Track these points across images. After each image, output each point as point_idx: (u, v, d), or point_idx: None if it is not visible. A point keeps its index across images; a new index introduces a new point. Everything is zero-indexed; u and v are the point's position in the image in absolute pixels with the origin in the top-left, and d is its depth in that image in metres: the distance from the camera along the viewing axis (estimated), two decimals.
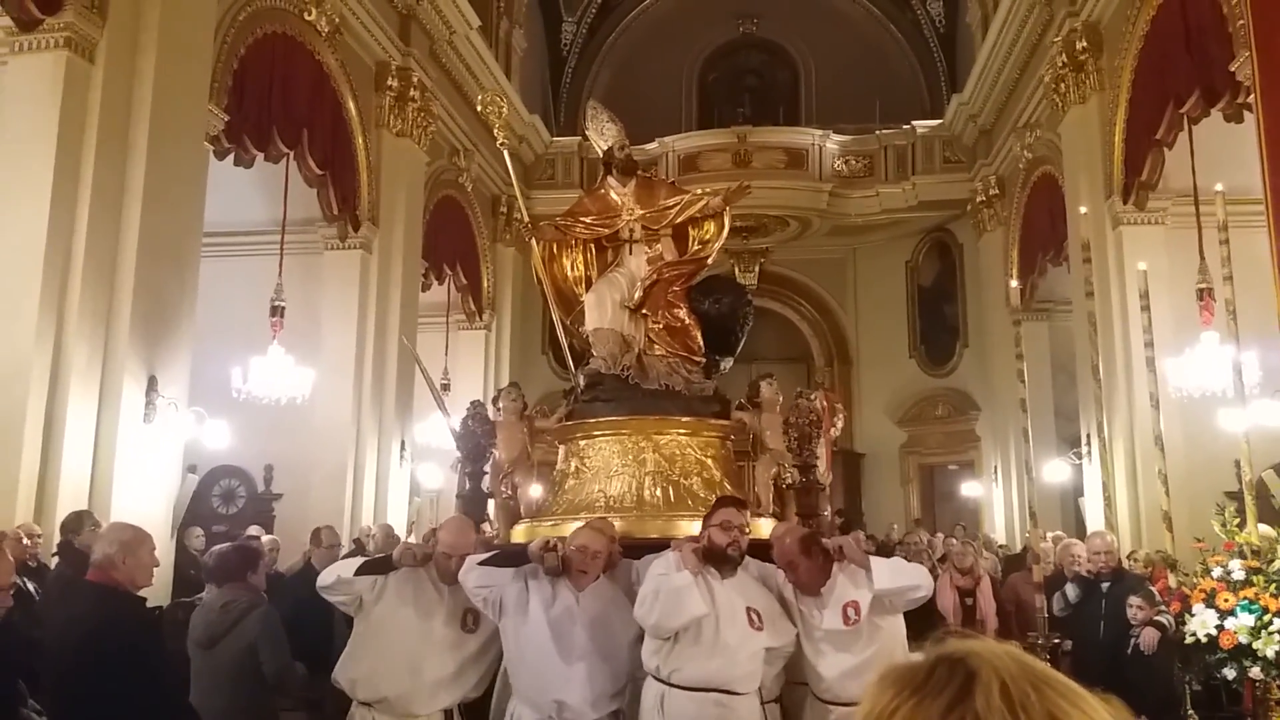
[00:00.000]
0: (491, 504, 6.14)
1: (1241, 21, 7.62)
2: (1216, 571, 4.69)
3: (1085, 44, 11.13)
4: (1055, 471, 12.62)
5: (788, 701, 4.19)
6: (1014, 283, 13.12)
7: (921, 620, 7.23)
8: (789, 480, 5.72)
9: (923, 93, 18.81)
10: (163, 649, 3.89)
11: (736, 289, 6.56)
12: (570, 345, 6.19)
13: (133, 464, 7.53)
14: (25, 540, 6.23)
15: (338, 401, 11.05)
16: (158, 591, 6.22)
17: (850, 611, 3.90)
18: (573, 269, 6.07)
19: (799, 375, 16.79)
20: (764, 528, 4.94)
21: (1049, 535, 9.47)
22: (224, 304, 10.25)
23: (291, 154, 10.25)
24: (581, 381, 5.83)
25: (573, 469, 5.56)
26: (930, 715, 0.86)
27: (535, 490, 5.90)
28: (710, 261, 6.01)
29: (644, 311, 5.69)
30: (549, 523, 5.23)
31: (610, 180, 6.08)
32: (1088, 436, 10.93)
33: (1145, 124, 9.85)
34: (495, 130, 6.49)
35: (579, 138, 16.65)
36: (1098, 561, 6.08)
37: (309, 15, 10.41)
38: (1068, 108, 11.61)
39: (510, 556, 4.24)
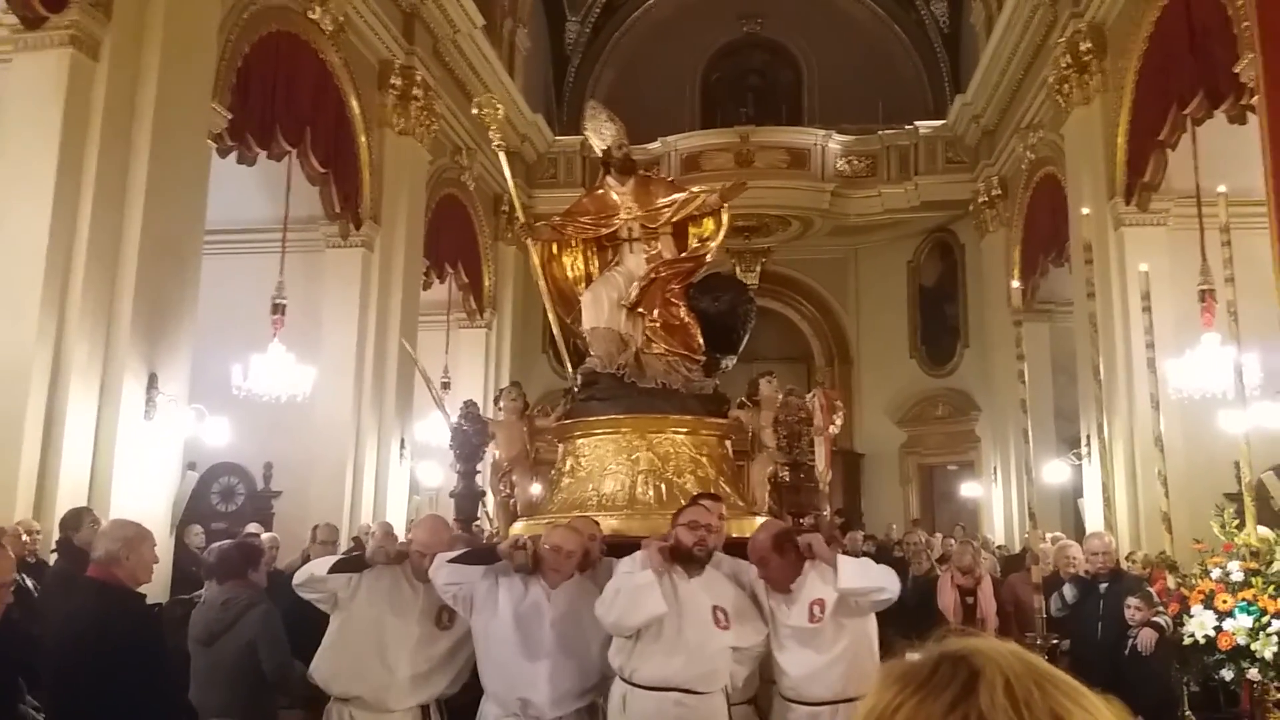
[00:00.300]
0: (491, 502, 6.15)
1: (1246, 23, 7.61)
2: (1215, 573, 4.69)
3: (1089, 45, 11.12)
4: (1055, 472, 12.62)
5: (763, 701, 4.18)
6: (1015, 283, 13.07)
7: (922, 619, 7.25)
8: (781, 478, 5.72)
9: (926, 93, 18.80)
10: (162, 646, 3.90)
11: (737, 286, 6.56)
12: (570, 344, 6.20)
13: (133, 461, 7.54)
14: (24, 537, 6.25)
15: (338, 399, 11.06)
16: (156, 588, 6.22)
17: (816, 609, 3.88)
18: (573, 268, 6.08)
19: (800, 375, 16.79)
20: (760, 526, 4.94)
21: (1048, 536, 9.47)
22: (225, 301, 10.26)
23: (294, 152, 10.26)
24: (578, 380, 5.83)
25: (569, 468, 5.57)
26: (933, 713, 0.86)
27: (535, 489, 5.91)
28: (709, 259, 6.01)
29: (640, 310, 5.68)
30: (545, 521, 5.24)
31: (609, 180, 6.08)
32: (1088, 437, 10.93)
33: (1148, 125, 9.84)
34: (490, 132, 6.50)
35: (582, 137, 16.60)
36: (1095, 562, 6.08)
37: (313, 14, 10.42)
38: (1071, 108, 11.60)
39: (481, 553, 4.25)
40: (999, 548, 12.44)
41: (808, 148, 16.81)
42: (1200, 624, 4.49)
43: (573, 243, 6.07)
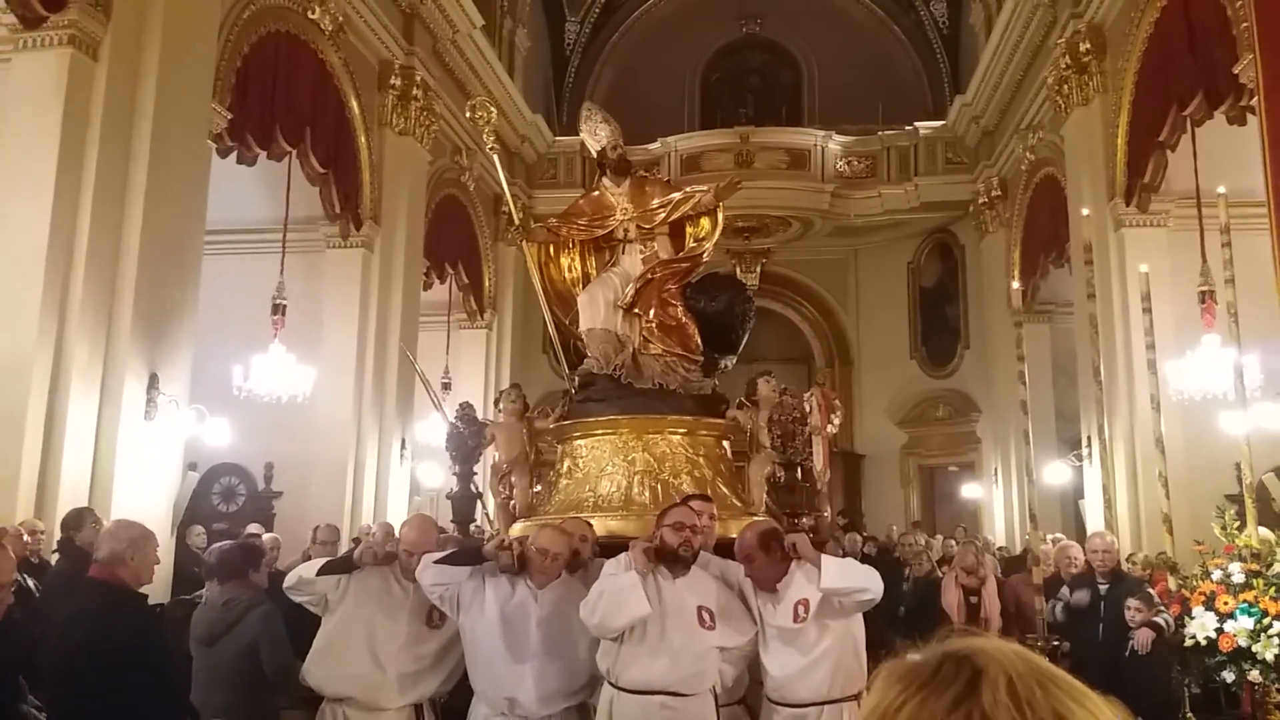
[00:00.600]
0: (490, 503, 6.15)
1: (1245, 24, 7.62)
2: (1216, 574, 4.69)
3: (1088, 46, 11.13)
4: (1056, 473, 12.62)
5: (753, 701, 4.18)
6: (1015, 284, 13.10)
7: (925, 618, 7.24)
8: (777, 477, 5.71)
9: (925, 94, 18.80)
10: (165, 646, 3.91)
11: (734, 286, 6.54)
12: (571, 345, 6.20)
13: (133, 461, 7.54)
14: (26, 537, 6.24)
15: (338, 400, 11.06)
16: (158, 589, 6.22)
17: (800, 609, 3.87)
18: (570, 270, 6.08)
19: (800, 376, 16.79)
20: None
21: (1049, 537, 9.47)
22: (225, 302, 10.25)
23: (294, 152, 10.25)
24: (575, 382, 5.83)
25: (566, 469, 5.57)
26: (936, 711, 0.86)
27: (534, 490, 5.92)
28: (706, 259, 6.00)
29: (637, 310, 5.68)
30: (542, 522, 5.24)
31: (605, 181, 6.08)
32: (1088, 438, 10.93)
33: (1148, 126, 9.85)
34: (484, 135, 6.50)
35: (581, 137, 16.62)
36: (1095, 559, 6.08)
37: (312, 14, 10.42)
38: (1070, 109, 11.61)
39: (468, 554, 4.26)
40: (1000, 549, 12.44)
41: (807, 148, 16.81)
42: (1201, 626, 4.49)
43: (569, 244, 6.08)
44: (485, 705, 3.94)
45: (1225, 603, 4.57)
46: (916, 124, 17.02)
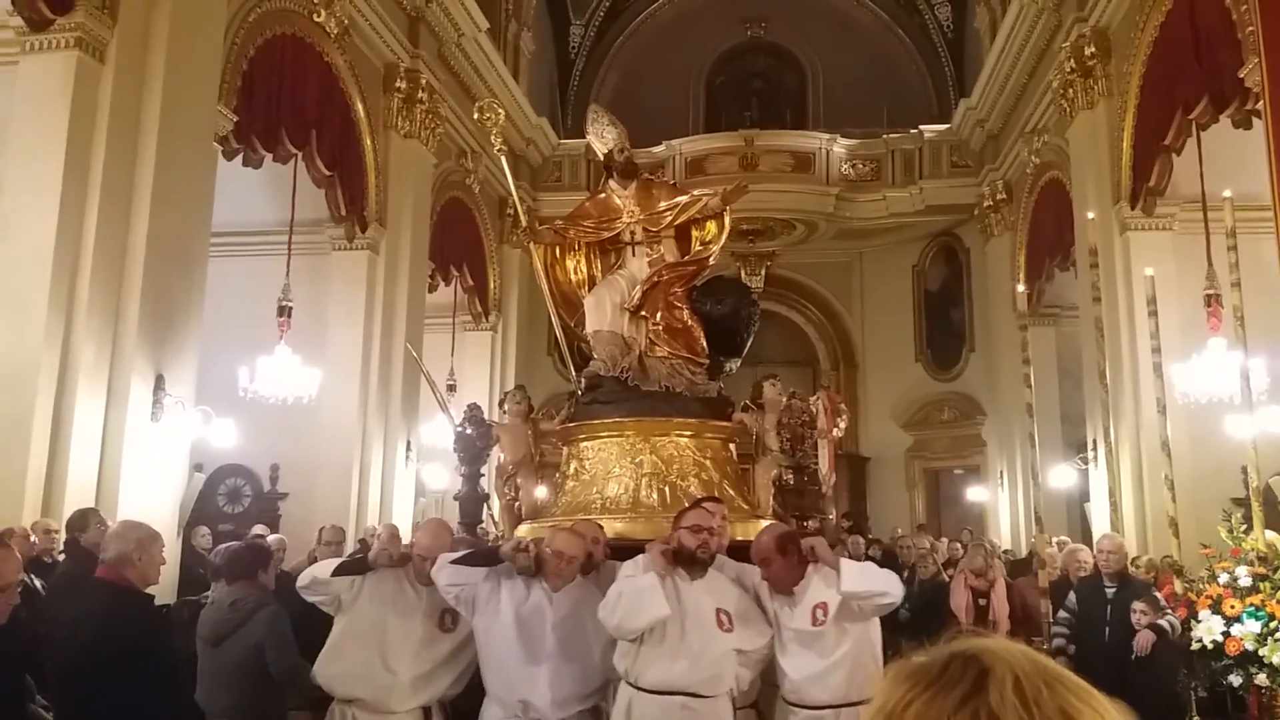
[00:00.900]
0: (496, 505, 6.16)
1: (1251, 28, 7.60)
2: (1223, 578, 4.68)
3: (1094, 50, 11.12)
4: (1061, 477, 12.59)
5: (764, 705, 4.18)
6: (1021, 287, 13.05)
7: (934, 619, 7.23)
8: (787, 481, 5.72)
9: (930, 97, 18.80)
10: (171, 646, 3.92)
11: (739, 289, 6.55)
12: (574, 347, 6.20)
13: (139, 462, 7.55)
14: (34, 538, 6.25)
15: (344, 402, 11.08)
16: (164, 590, 6.23)
17: (819, 613, 3.87)
18: (575, 272, 6.08)
19: (805, 379, 16.77)
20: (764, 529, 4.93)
21: (1054, 540, 9.45)
22: (231, 304, 10.28)
23: (300, 155, 10.28)
24: (582, 384, 5.84)
25: (573, 471, 5.57)
26: (944, 709, 0.86)
27: (540, 492, 5.92)
28: (712, 262, 6.01)
29: (644, 313, 5.68)
30: (550, 524, 5.24)
31: (611, 183, 6.09)
32: (1094, 442, 10.91)
33: (1153, 130, 9.84)
34: (492, 137, 6.52)
35: (586, 140, 16.62)
36: (1102, 560, 6.07)
37: (318, 17, 10.44)
38: (1076, 113, 11.60)
39: (484, 555, 4.26)
40: (1005, 552, 12.42)
41: (812, 151, 16.81)
42: (1208, 629, 4.48)
43: (575, 246, 6.08)
44: (498, 707, 3.93)
45: (1232, 606, 4.56)
46: (921, 127, 17.01)
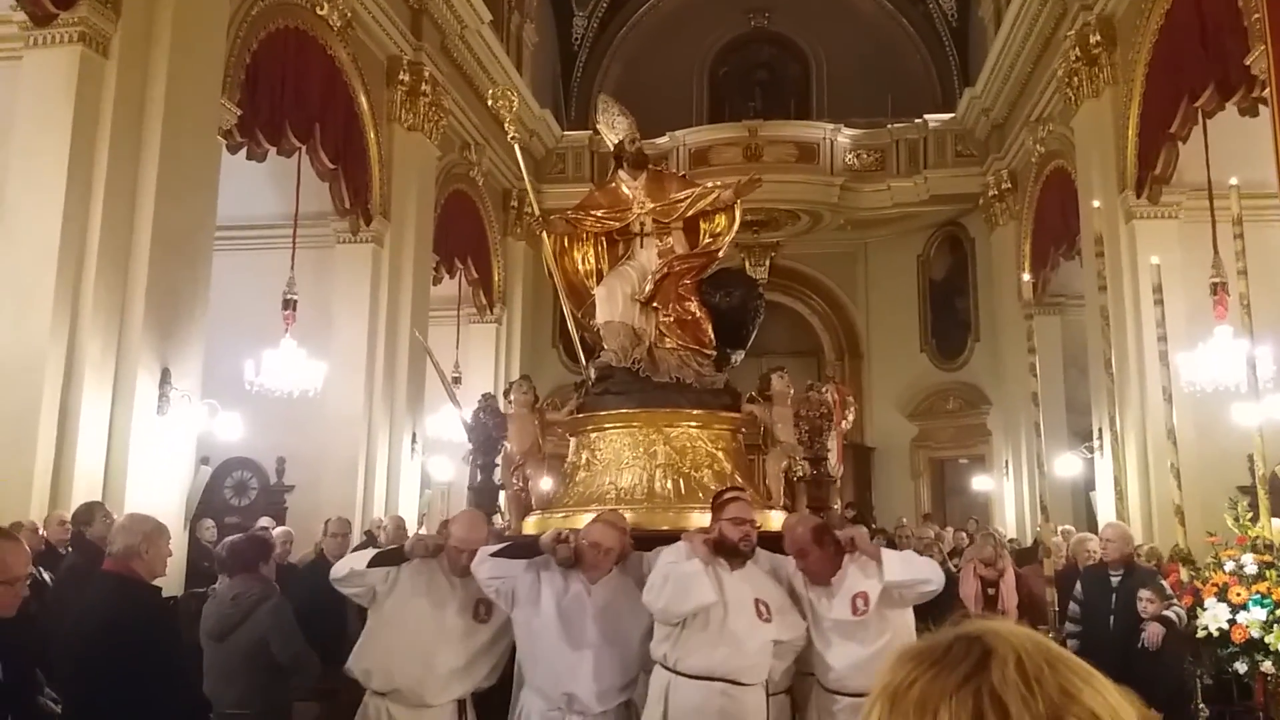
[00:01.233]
0: (503, 496, 6.16)
1: (1257, 15, 7.57)
2: (1229, 566, 4.68)
3: (1099, 37, 11.07)
4: (1067, 466, 12.59)
5: (797, 693, 4.20)
6: (1026, 276, 13.02)
7: (941, 609, 7.24)
8: (799, 473, 5.73)
9: (935, 86, 18.73)
10: (179, 639, 3.93)
11: (747, 282, 6.56)
12: (581, 338, 6.20)
13: (146, 456, 7.58)
14: (42, 530, 6.28)
15: (349, 394, 11.10)
16: (171, 582, 6.26)
17: (859, 602, 3.91)
18: (584, 262, 6.08)
19: (809, 369, 16.76)
20: (774, 520, 4.95)
21: (1060, 529, 9.45)
22: (236, 297, 10.30)
23: (304, 148, 10.28)
24: (592, 374, 5.84)
25: (583, 461, 5.58)
26: (947, 687, 0.87)
27: (546, 483, 5.92)
28: (721, 255, 6.01)
29: (655, 304, 5.69)
30: (560, 514, 5.25)
31: (621, 174, 6.08)
32: (1100, 430, 10.90)
33: (1159, 118, 9.80)
34: (506, 124, 6.50)
35: (590, 132, 16.64)
36: (1101, 547, 6.08)
37: (321, 10, 10.44)
38: (1081, 101, 11.56)
39: (523, 547, 4.26)
40: (1010, 541, 12.42)
41: (816, 142, 16.77)
42: (1214, 617, 4.49)
43: (584, 236, 6.07)
44: (540, 699, 3.94)
45: (1238, 594, 4.56)
46: (926, 117, 16.96)
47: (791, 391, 5.85)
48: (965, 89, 16.46)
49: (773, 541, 4.29)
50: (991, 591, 7.00)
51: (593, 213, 6.03)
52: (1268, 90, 7.32)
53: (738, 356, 6.11)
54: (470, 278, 14.70)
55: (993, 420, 16.64)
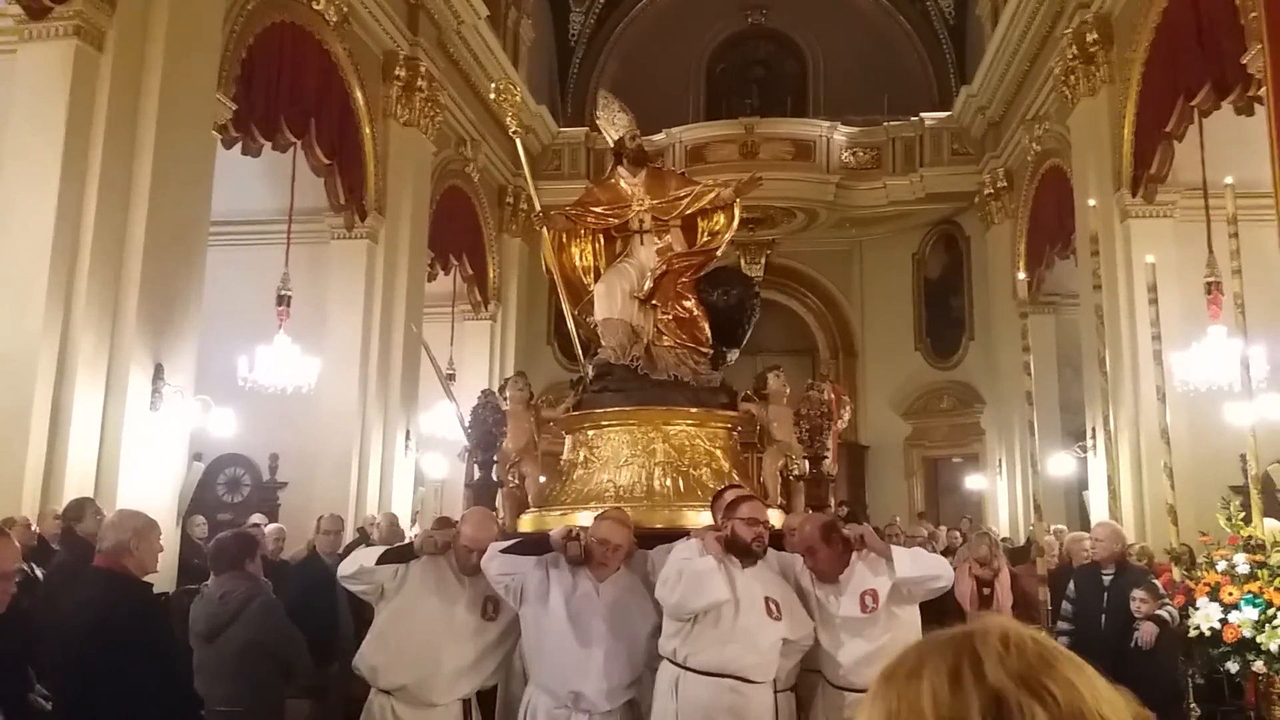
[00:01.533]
0: (499, 492, 6.15)
1: (1254, 14, 7.57)
2: (1221, 565, 4.68)
3: (1096, 36, 11.08)
4: (1060, 465, 12.60)
5: (801, 690, 4.21)
6: (1021, 275, 13.05)
7: (935, 608, 7.24)
8: (796, 472, 5.73)
9: (931, 85, 18.73)
10: (170, 635, 3.92)
11: (744, 281, 6.56)
12: (578, 335, 6.19)
13: (139, 452, 7.55)
14: (35, 526, 6.26)
15: (343, 391, 11.08)
16: (163, 579, 6.24)
17: (868, 599, 3.94)
18: (581, 259, 6.07)
19: (804, 367, 16.78)
20: (771, 519, 4.94)
21: (1053, 529, 9.46)
22: (230, 293, 10.27)
23: (299, 143, 10.25)
24: (590, 372, 5.83)
25: (581, 459, 5.57)
26: (932, 652, 0.92)
27: (542, 480, 5.91)
28: (720, 253, 6.01)
29: (653, 302, 5.69)
30: (557, 512, 5.24)
31: (620, 170, 6.07)
32: (1093, 430, 10.91)
33: (1155, 117, 9.81)
34: (508, 119, 6.48)
35: (586, 128, 16.62)
36: (1091, 546, 6.09)
37: (317, 4, 10.40)
38: (1077, 100, 11.56)
39: (533, 544, 4.25)
40: (1003, 540, 12.43)
41: (813, 139, 16.76)
42: (1206, 616, 4.49)
43: (582, 233, 6.06)
44: (547, 697, 3.93)
45: (1230, 593, 4.57)
46: (922, 115, 16.96)
47: (788, 390, 5.85)
48: (962, 87, 16.47)
49: (772, 540, 4.28)
50: (987, 591, 7.00)
51: (592, 209, 6.02)
52: (1264, 89, 7.32)
53: (733, 355, 6.12)
54: (465, 274, 14.68)
55: (986, 419, 16.65)
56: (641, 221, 5.88)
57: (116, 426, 7.43)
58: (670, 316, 5.67)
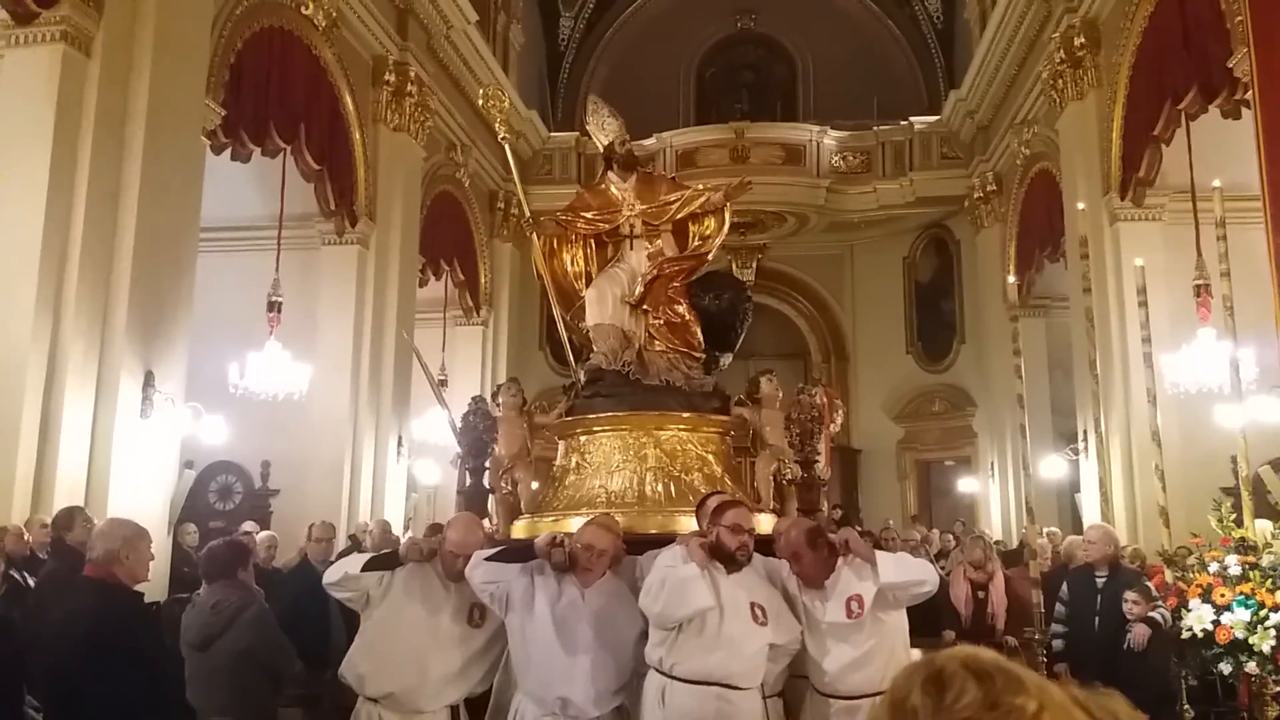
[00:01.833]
0: (491, 499, 6.14)
1: (1240, 18, 7.62)
2: (1213, 567, 4.70)
3: (1083, 40, 11.13)
4: (1052, 467, 12.64)
5: (789, 696, 4.20)
6: (1011, 279, 13.13)
7: (929, 611, 7.23)
8: (789, 476, 5.72)
9: (920, 89, 18.80)
10: (161, 644, 3.89)
11: (736, 285, 6.56)
12: (570, 341, 6.18)
13: (129, 460, 7.51)
14: (28, 535, 6.22)
15: (335, 397, 11.05)
16: (154, 588, 6.21)
17: (854, 605, 3.91)
18: (573, 264, 6.06)
19: (796, 371, 16.80)
20: (764, 523, 4.94)
21: (1045, 531, 9.48)
22: (221, 299, 10.23)
23: (288, 149, 10.23)
24: (582, 377, 5.82)
25: (573, 464, 5.55)
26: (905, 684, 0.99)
27: (535, 486, 5.90)
28: (711, 258, 6.01)
29: (645, 307, 5.68)
30: (549, 518, 5.22)
31: (611, 175, 6.07)
32: (1085, 432, 10.95)
33: (1143, 120, 9.86)
34: (497, 125, 6.47)
35: (576, 133, 16.63)
36: (1083, 548, 6.11)
37: (306, 9, 10.39)
38: (1065, 104, 11.61)
39: (517, 552, 4.23)
40: (996, 543, 12.46)
41: (803, 144, 16.81)
42: (1198, 618, 4.50)
43: (573, 238, 6.06)
44: (534, 705, 3.91)
45: (1222, 595, 4.58)
46: (911, 119, 17.02)
47: (780, 394, 5.85)
48: (950, 91, 16.54)
49: (762, 545, 4.28)
50: (981, 595, 7.02)
51: (582, 214, 6.02)
52: (1250, 92, 7.37)
53: (726, 359, 6.11)
54: (456, 280, 14.66)
55: (978, 422, 16.70)
56: (632, 226, 5.88)
57: (107, 434, 7.39)
58: (662, 321, 5.67)
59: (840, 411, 6.67)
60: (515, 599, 3.97)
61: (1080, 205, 9.15)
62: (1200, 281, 9.02)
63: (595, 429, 5.55)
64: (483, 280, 15.60)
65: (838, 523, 10.81)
